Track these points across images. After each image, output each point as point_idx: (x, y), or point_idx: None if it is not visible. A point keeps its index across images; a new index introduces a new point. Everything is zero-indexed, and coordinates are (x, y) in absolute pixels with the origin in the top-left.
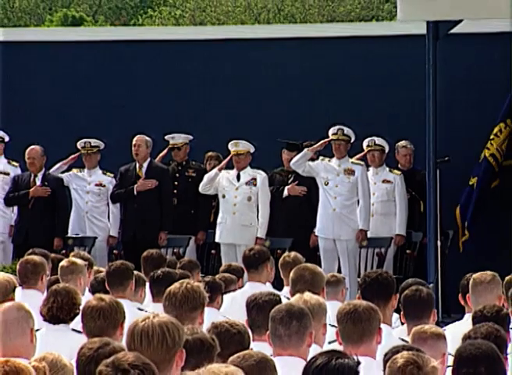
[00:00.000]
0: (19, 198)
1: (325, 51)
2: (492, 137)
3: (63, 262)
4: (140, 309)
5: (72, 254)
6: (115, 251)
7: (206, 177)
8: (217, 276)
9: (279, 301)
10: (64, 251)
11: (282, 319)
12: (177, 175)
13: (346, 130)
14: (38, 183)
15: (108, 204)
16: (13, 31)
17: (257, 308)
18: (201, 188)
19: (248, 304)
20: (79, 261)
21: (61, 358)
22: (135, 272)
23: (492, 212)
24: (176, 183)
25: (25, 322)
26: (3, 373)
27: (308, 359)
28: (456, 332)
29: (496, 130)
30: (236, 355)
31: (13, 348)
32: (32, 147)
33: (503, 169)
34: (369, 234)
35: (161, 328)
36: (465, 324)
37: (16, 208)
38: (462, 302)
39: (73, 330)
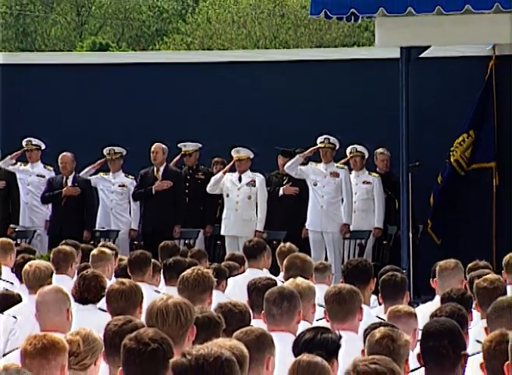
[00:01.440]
0: (53, 197)
1: (314, 71)
2: (456, 145)
3: (94, 251)
4: (156, 291)
5: (100, 244)
6: (135, 242)
7: (213, 179)
8: (222, 263)
9: (275, 285)
10: (92, 242)
11: (274, 300)
12: (188, 177)
13: (332, 139)
14: (69, 184)
15: (129, 202)
16: (47, 55)
17: (257, 290)
18: (209, 189)
19: (249, 287)
20: (107, 250)
21: (92, 332)
22: (152, 260)
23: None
24: (187, 184)
25: (62, 303)
26: (41, 345)
27: (297, 334)
28: (425, 311)
29: (459, 139)
30: (239, 331)
31: (52, 325)
32: (64, 153)
33: (467, 172)
34: (352, 228)
35: (176, 307)
36: (435, 305)
37: (50, 205)
38: (433, 286)
39: (100, 309)
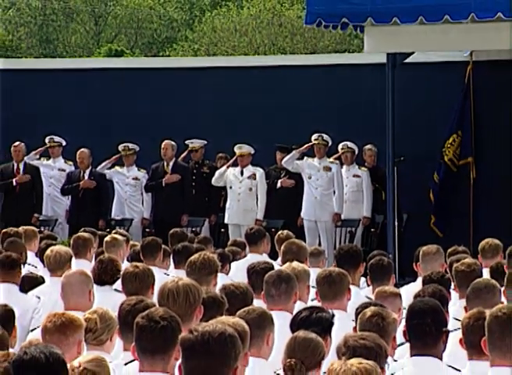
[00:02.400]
0: (72, 189)
1: (309, 75)
2: (448, 145)
3: (107, 238)
4: (166, 274)
5: (114, 231)
6: (147, 230)
7: (217, 173)
8: (226, 248)
9: (273, 268)
10: (108, 230)
11: (273, 282)
12: (195, 171)
13: (325, 137)
14: (86, 177)
15: (142, 193)
16: (68, 61)
17: (256, 273)
18: (213, 181)
19: (248, 270)
20: (119, 237)
21: (108, 311)
22: (162, 245)
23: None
24: (194, 177)
25: (85, 285)
26: (60, 323)
27: (294, 313)
28: (409, 292)
29: (450, 140)
30: (241, 310)
31: (75, 304)
32: (81, 150)
33: (459, 167)
34: (343, 217)
35: (185, 289)
36: (417, 286)
37: (69, 196)
38: (416, 269)
39: (116, 290)
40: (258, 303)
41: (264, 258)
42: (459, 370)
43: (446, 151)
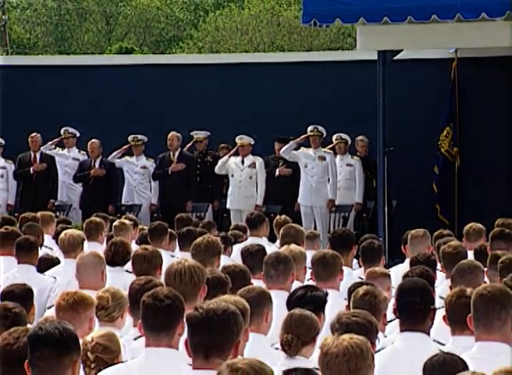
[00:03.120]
0: (84, 177)
1: (305, 71)
2: (442, 138)
3: (115, 223)
4: (172, 256)
5: (124, 216)
6: (155, 215)
7: (220, 162)
8: (228, 232)
9: (264, 250)
10: (118, 215)
11: (272, 263)
12: (199, 160)
13: (320, 128)
14: (97, 166)
15: (150, 181)
16: (82, 57)
17: (251, 255)
18: (216, 170)
19: (243, 253)
20: (127, 221)
21: (119, 290)
22: (169, 229)
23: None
24: (198, 166)
25: (98, 265)
26: (73, 301)
27: (291, 291)
28: (398, 272)
29: (444, 133)
30: (242, 289)
31: (89, 284)
32: (92, 140)
33: (453, 155)
34: (336, 203)
35: (190, 269)
36: (405, 267)
37: (81, 184)
38: (404, 251)
39: (126, 271)
40: (259, 283)
41: (264, 241)
42: (443, 344)
43: (441, 144)
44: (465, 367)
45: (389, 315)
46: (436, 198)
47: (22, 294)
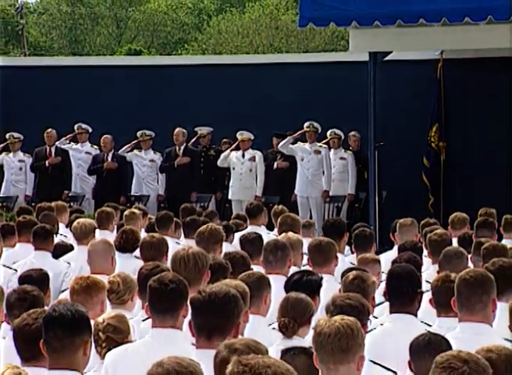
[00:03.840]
0: (97, 170)
1: (302, 71)
2: (432, 134)
3: (126, 212)
4: (177, 243)
5: (134, 206)
6: (162, 205)
7: (222, 156)
8: (230, 221)
9: (261, 237)
10: (128, 205)
11: (271, 250)
12: (203, 154)
13: (316, 124)
14: (109, 159)
15: (157, 173)
16: (95, 58)
17: (249, 242)
18: (219, 163)
19: (241, 241)
20: (137, 211)
21: (129, 275)
22: (174, 218)
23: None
24: (202, 159)
25: (108, 252)
26: (86, 284)
27: (288, 276)
28: (387, 258)
29: (434, 129)
30: (243, 274)
31: (100, 269)
32: (105, 136)
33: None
34: (330, 193)
35: (194, 256)
36: (394, 253)
37: (95, 176)
38: (392, 239)
39: (135, 257)
40: (258, 268)
41: (263, 229)
42: (430, 325)
43: (431, 139)
44: (448, 346)
45: (380, 298)
46: (429, 189)
47: (38, 278)
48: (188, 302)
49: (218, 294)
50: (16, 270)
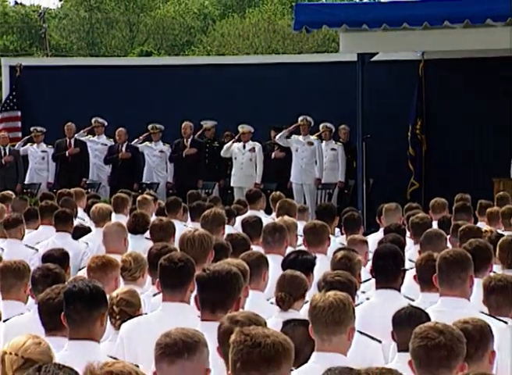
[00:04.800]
0: (112, 159)
1: (297, 70)
2: (418, 127)
3: (139, 198)
4: (184, 226)
5: (145, 192)
6: (170, 191)
7: (225, 147)
8: (232, 206)
9: (260, 220)
10: (140, 191)
11: (269, 232)
12: (208, 145)
13: (309, 118)
14: (123, 150)
15: (166, 163)
16: (110, 59)
17: (249, 225)
18: (222, 153)
19: (243, 223)
20: (148, 197)
21: (140, 254)
22: (182, 203)
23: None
24: (207, 150)
25: (121, 233)
26: (101, 263)
27: (285, 255)
28: (374, 239)
29: (418, 123)
30: (244, 253)
31: (114, 249)
32: (119, 129)
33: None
34: (322, 181)
35: (199, 237)
36: (379, 235)
37: (110, 165)
38: (378, 221)
39: (146, 238)
40: (258, 248)
41: (261, 214)
42: (413, 300)
43: (417, 131)
44: (428, 319)
45: (367, 275)
46: (414, 175)
47: (60, 257)
48: (194, 279)
49: (221, 271)
50: (36, 250)
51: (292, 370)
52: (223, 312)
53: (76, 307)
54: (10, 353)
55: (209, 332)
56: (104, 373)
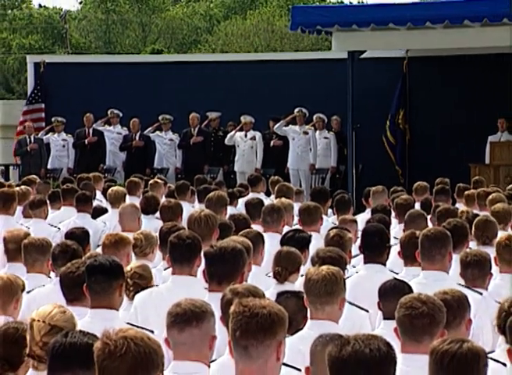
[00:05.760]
0: (127, 147)
1: (294, 67)
2: (400, 117)
3: (151, 181)
4: (192, 207)
5: (156, 177)
6: (179, 176)
7: (228, 136)
8: (234, 189)
9: (262, 202)
10: (152, 176)
11: (268, 212)
12: (213, 134)
13: (304, 110)
14: (137, 138)
15: (175, 150)
16: (124, 56)
17: (251, 206)
18: (226, 141)
19: (246, 205)
20: (159, 181)
21: (150, 232)
22: (190, 187)
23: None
24: (212, 138)
25: (135, 213)
26: (114, 240)
27: (283, 234)
28: (363, 219)
29: (401, 114)
30: (243, 231)
31: (129, 228)
32: (133, 119)
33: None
34: (316, 167)
35: (205, 217)
36: (366, 215)
37: (125, 152)
38: (364, 203)
39: (156, 218)
40: (257, 228)
41: (262, 196)
42: (397, 273)
43: (399, 121)
44: (410, 290)
45: (356, 251)
46: (395, 161)
47: (81, 235)
48: (201, 254)
49: (227, 248)
50: (59, 228)
51: (286, 337)
52: (229, 285)
53: (97, 279)
54: (38, 320)
55: (216, 302)
56: (120, 338)
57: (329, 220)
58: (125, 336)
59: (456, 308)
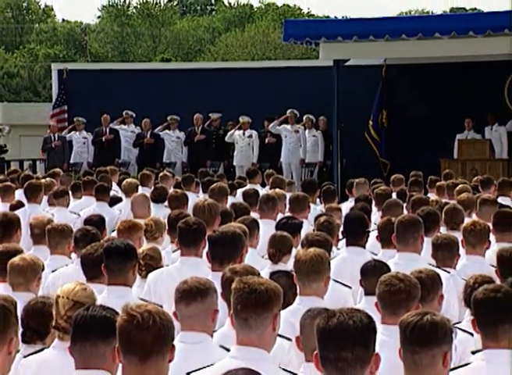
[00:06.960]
0: (140, 144)
1: (286, 73)
2: (384, 117)
3: (160, 174)
4: (197, 196)
5: (165, 170)
6: (185, 169)
7: (228, 134)
8: (234, 181)
9: (258, 193)
10: (161, 169)
11: (264, 201)
12: (215, 133)
13: (295, 111)
14: (148, 136)
15: (182, 146)
16: (138, 64)
17: (249, 195)
18: (226, 139)
19: (244, 194)
20: (168, 173)
21: (159, 218)
22: (195, 179)
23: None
24: (214, 137)
25: (146, 203)
26: (128, 226)
27: (277, 220)
28: (346, 207)
29: (384, 114)
30: (240, 218)
31: (140, 215)
32: (145, 119)
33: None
34: (306, 161)
35: (209, 205)
36: (349, 204)
37: (138, 148)
38: (347, 193)
39: (165, 206)
40: (254, 215)
41: (258, 187)
42: (376, 254)
43: (383, 121)
44: (388, 269)
45: (340, 235)
46: (379, 155)
47: (98, 221)
48: (206, 238)
49: (228, 232)
50: (79, 215)
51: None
52: (229, 265)
53: (114, 259)
54: (62, 297)
55: (218, 280)
56: (144, 312)
57: (317, 208)
58: (149, 310)
59: (429, 285)
